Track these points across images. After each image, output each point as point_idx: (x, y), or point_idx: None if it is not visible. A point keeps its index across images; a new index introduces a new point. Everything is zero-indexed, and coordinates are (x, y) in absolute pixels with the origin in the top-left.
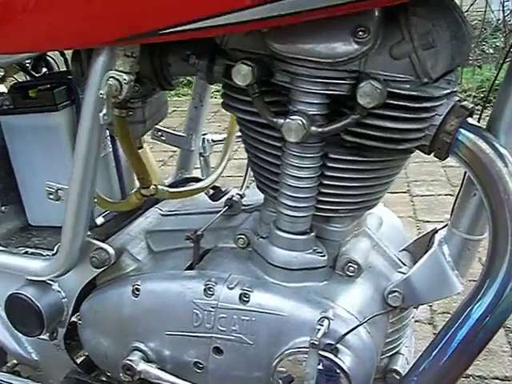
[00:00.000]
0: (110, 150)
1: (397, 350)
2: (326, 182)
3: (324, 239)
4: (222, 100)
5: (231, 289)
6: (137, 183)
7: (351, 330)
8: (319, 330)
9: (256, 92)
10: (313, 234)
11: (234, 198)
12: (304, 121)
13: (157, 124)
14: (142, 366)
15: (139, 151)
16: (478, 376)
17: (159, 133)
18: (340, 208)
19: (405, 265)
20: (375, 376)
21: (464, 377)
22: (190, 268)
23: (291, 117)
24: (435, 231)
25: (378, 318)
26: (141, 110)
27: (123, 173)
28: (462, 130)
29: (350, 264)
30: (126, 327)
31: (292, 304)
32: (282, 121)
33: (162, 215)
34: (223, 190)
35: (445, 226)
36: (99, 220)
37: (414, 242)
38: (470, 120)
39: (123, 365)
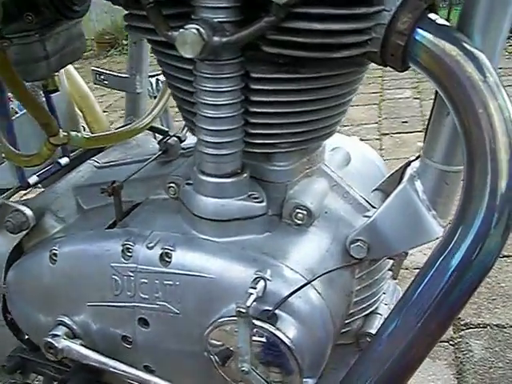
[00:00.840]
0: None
1: (371, 309)
2: (252, 110)
3: (264, 181)
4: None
5: (151, 248)
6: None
7: (293, 292)
8: (251, 294)
9: (150, 2)
10: (245, 175)
11: (169, 142)
12: (202, 30)
13: (72, 62)
14: (64, 343)
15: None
16: (495, 325)
17: (101, 76)
18: (278, 141)
19: (374, 207)
20: (347, 341)
21: (481, 326)
22: (112, 226)
23: (186, 26)
24: (407, 164)
25: (336, 274)
26: (40, 44)
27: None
28: (419, 30)
29: (298, 210)
30: (49, 298)
31: (221, 263)
32: (176, 33)
33: (98, 168)
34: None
35: (418, 158)
36: (32, 179)
37: (387, 178)
38: (430, 15)
39: (45, 342)
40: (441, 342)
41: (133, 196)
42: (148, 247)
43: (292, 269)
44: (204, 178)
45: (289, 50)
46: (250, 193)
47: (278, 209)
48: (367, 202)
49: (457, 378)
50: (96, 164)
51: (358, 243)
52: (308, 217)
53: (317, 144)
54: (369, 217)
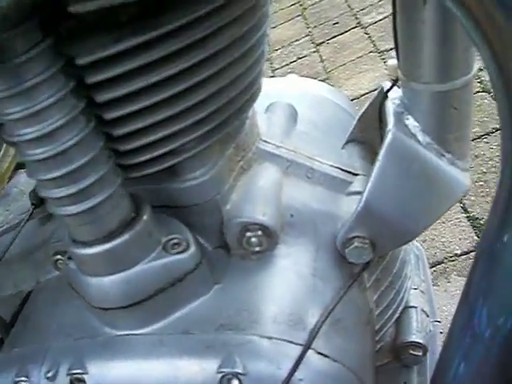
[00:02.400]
0: None
1: (401, 308)
2: (109, 116)
3: (181, 208)
4: None
5: (52, 379)
6: None
7: (290, 375)
8: None
9: None
10: (145, 217)
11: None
12: None
13: None
14: None
15: None
16: None
17: None
18: (175, 146)
19: (356, 174)
20: (382, 361)
21: None
22: None
23: None
24: (382, 95)
25: (340, 305)
26: None
27: None
28: None
29: (248, 233)
30: None
31: (160, 369)
32: None
33: None
34: None
35: (395, 82)
36: None
37: (359, 121)
38: None
39: None
40: None
41: (18, 283)
42: (48, 378)
43: (271, 337)
44: (80, 250)
45: None
46: (163, 240)
47: (218, 239)
48: (344, 170)
49: None
50: None
51: (355, 243)
52: (267, 236)
53: (237, 122)
54: (356, 194)
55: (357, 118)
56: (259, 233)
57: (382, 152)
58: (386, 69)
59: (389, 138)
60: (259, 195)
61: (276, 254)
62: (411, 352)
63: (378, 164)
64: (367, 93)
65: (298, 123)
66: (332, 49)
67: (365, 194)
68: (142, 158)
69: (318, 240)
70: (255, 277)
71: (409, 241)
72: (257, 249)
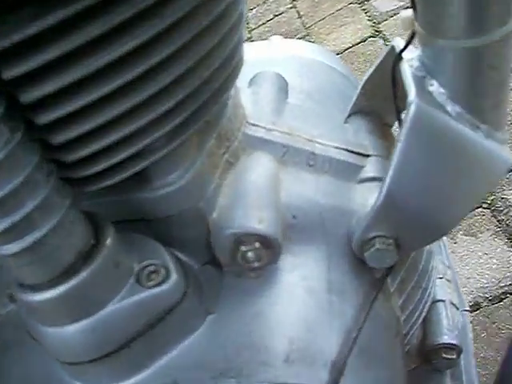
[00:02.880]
0: None
1: (429, 303)
2: (42, 121)
3: (156, 222)
4: None
5: None
6: None
7: None
8: None
9: None
10: (107, 242)
11: None
12: None
13: None
14: None
15: None
16: None
17: None
18: (135, 147)
19: (367, 155)
20: (408, 368)
21: None
22: None
23: None
24: (396, 55)
25: (369, 321)
26: None
27: None
28: None
29: (243, 247)
30: None
31: None
32: None
33: None
34: None
35: (410, 39)
36: None
37: (364, 88)
38: None
39: None
40: None
41: None
42: None
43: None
44: (28, 296)
45: None
46: (136, 269)
47: (205, 254)
48: (353, 151)
49: None
50: None
51: (376, 244)
52: (266, 248)
53: (216, 106)
54: (371, 180)
55: (361, 84)
56: (256, 245)
57: (403, 130)
58: (369, 19)
59: (411, 111)
60: (252, 196)
61: (280, 268)
62: (444, 355)
63: (399, 145)
64: (350, 47)
65: (288, 95)
66: (309, 3)
67: (386, 183)
68: (96, 168)
69: (329, 244)
70: (256, 300)
71: (441, 236)
72: (255, 264)
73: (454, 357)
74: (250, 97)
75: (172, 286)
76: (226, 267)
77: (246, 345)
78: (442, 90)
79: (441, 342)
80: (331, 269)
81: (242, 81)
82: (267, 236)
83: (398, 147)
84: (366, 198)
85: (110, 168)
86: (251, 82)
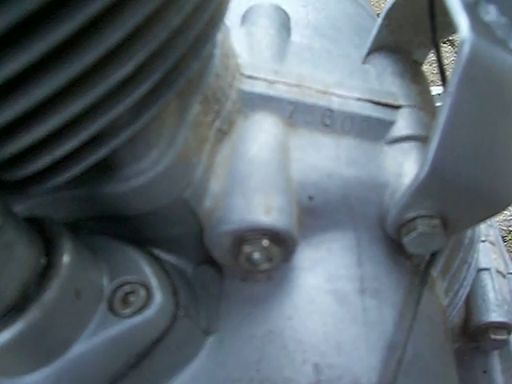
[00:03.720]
0: None
1: (473, 276)
2: None
3: (132, 219)
4: None
5: None
6: None
7: None
8: None
9: None
10: (65, 259)
11: None
12: None
13: None
14: None
15: None
16: None
17: None
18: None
19: (398, 106)
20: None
21: None
22: None
23: None
24: None
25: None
26: None
27: None
28: None
29: (248, 251)
30: None
31: None
32: None
33: None
34: None
35: None
36: None
37: (386, 18)
38: None
39: None
40: None
41: None
42: None
43: None
44: None
45: None
46: (106, 291)
47: (200, 253)
48: (379, 103)
49: None
50: None
51: (419, 226)
52: (277, 245)
53: (197, 62)
54: (404, 140)
55: (384, 13)
56: (264, 243)
57: (455, 78)
58: None
59: (465, 52)
60: (254, 176)
61: (296, 267)
62: (492, 336)
63: (449, 99)
64: None
65: (291, 32)
66: None
67: (432, 148)
68: (36, 165)
69: (357, 229)
70: (267, 313)
71: (499, 211)
72: (265, 266)
73: (505, 337)
74: (243, 39)
75: (157, 312)
76: (228, 268)
77: (258, 379)
78: (504, 20)
79: (488, 320)
80: (362, 261)
81: (232, 18)
82: (278, 230)
83: (448, 102)
84: (401, 163)
85: (56, 163)
86: (244, 19)
